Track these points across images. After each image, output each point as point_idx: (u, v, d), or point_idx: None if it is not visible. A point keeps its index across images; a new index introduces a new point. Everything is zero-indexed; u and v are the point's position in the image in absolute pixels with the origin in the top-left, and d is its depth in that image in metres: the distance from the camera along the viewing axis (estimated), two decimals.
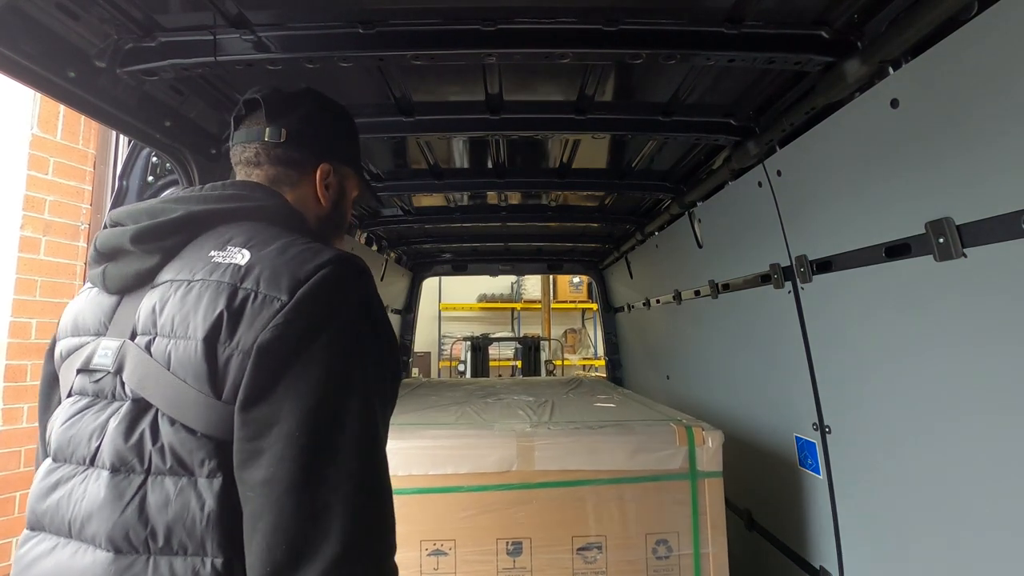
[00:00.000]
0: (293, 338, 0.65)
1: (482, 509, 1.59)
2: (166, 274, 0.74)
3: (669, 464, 1.64)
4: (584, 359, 8.66)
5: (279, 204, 0.87)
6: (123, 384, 0.71)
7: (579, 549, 1.60)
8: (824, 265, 1.63)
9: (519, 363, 6.46)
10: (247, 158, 0.92)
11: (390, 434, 1.75)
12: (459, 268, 4.46)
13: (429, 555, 1.56)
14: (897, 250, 1.31)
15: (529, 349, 6.11)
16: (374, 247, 3.45)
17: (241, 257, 0.71)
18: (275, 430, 0.63)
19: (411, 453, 1.59)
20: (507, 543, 1.59)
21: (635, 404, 2.30)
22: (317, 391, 0.64)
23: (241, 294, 0.67)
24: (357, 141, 1.07)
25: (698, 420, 1.84)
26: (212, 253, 0.72)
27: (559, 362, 7.39)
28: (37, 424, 0.87)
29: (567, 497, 1.61)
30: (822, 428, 1.71)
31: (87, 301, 0.81)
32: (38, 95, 2.76)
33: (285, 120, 0.92)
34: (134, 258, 0.76)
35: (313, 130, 0.95)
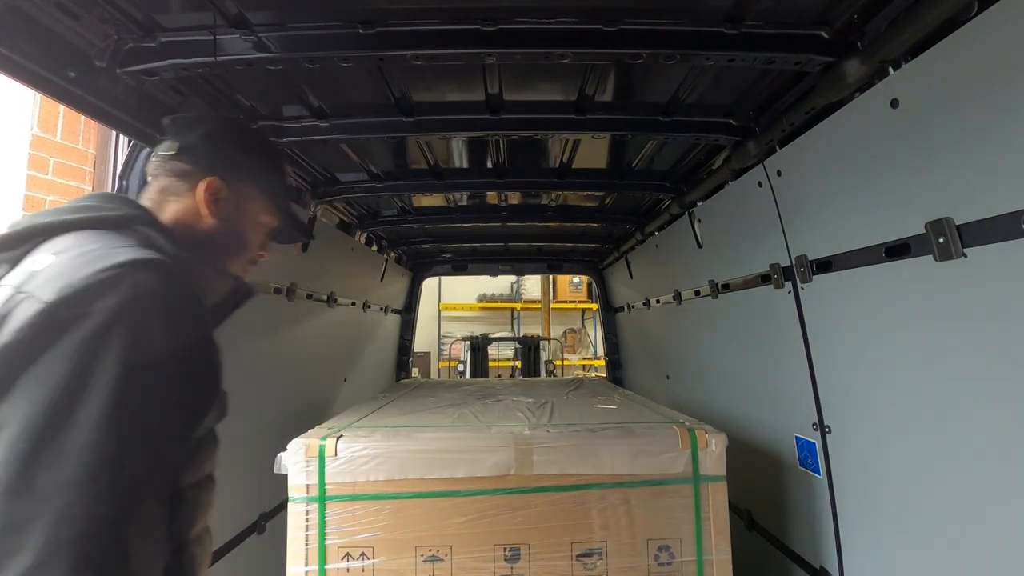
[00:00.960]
0: (33, 341, 0.65)
1: (479, 514, 1.56)
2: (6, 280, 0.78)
3: (671, 468, 1.61)
4: (584, 359, 8.66)
5: (125, 215, 0.87)
6: None
7: (579, 555, 1.57)
8: (824, 265, 1.63)
9: (519, 363, 6.46)
10: (149, 170, 0.99)
11: (385, 437, 1.73)
12: (459, 268, 4.46)
13: (425, 561, 1.52)
14: (897, 250, 1.31)
15: (529, 349, 6.10)
16: (374, 247, 3.45)
17: (41, 263, 0.72)
18: (2, 435, 0.62)
19: (406, 457, 1.55)
20: (505, 549, 1.56)
21: (636, 406, 2.28)
22: (47, 398, 0.63)
23: (17, 297, 0.69)
24: (276, 169, 1.10)
25: (701, 422, 1.80)
26: (27, 260, 0.75)
27: (559, 362, 7.38)
28: None
29: (567, 502, 1.59)
30: (822, 428, 1.71)
31: None
32: (38, 95, 2.76)
33: (182, 135, 0.98)
34: None
35: (208, 146, 0.99)
